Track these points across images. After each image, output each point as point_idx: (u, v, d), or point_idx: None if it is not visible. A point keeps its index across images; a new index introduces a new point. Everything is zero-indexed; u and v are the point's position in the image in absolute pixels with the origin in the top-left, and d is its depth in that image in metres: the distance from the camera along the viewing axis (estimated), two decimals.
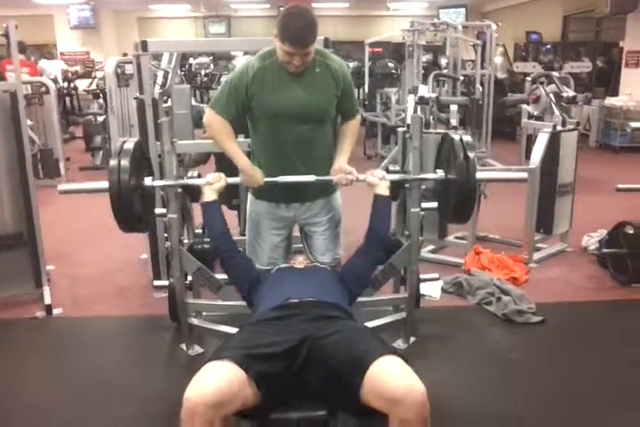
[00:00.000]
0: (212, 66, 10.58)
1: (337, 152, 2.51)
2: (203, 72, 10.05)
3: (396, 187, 2.56)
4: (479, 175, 2.33)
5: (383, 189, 2.39)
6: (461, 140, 2.32)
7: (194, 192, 2.76)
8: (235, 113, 2.40)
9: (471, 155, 2.26)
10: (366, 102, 8.35)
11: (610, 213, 4.20)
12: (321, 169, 2.46)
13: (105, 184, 2.19)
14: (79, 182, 2.36)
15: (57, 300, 3.24)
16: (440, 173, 2.43)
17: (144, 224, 2.45)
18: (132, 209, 2.24)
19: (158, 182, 2.46)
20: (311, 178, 2.38)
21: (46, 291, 3.23)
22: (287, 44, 2.17)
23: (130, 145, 2.28)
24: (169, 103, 3.96)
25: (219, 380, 1.56)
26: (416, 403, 1.50)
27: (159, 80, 4.61)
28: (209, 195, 2.36)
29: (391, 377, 1.55)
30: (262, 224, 2.56)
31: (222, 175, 2.39)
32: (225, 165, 2.75)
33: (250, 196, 2.60)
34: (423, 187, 2.59)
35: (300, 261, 2.38)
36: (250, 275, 2.31)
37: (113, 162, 2.20)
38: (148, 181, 2.40)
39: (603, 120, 8.33)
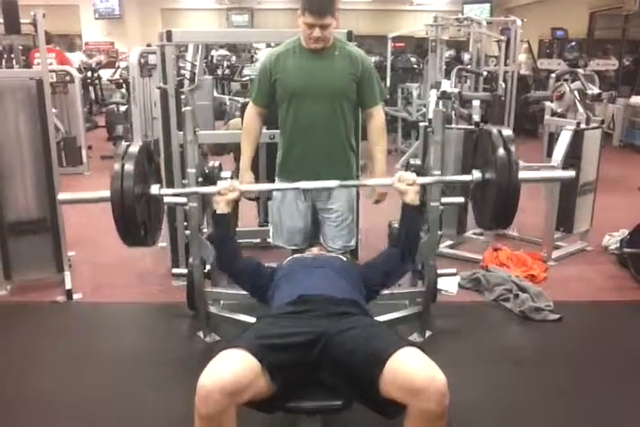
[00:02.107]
0: (233, 58, 10.61)
1: (373, 164, 2.62)
2: (225, 64, 10.07)
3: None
4: (522, 175, 2.00)
5: (412, 198, 2.15)
6: (500, 133, 2.03)
7: (214, 180, 2.79)
8: (265, 99, 2.60)
9: (513, 150, 1.97)
10: (388, 97, 8.32)
11: (632, 213, 4.15)
12: (338, 153, 2.57)
13: (107, 193, 1.96)
14: (80, 192, 2.17)
15: (77, 285, 3.29)
16: (477, 175, 2.13)
17: (150, 238, 2.15)
18: (136, 220, 1.99)
19: (166, 191, 2.24)
20: (334, 184, 2.25)
21: (67, 276, 3.29)
22: (307, 15, 2.37)
23: (135, 149, 2.03)
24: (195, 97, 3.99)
25: (234, 367, 1.57)
26: (437, 393, 1.50)
27: (187, 74, 4.64)
28: (221, 207, 2.15)
29: (413, 368, 1.55)
30: (284, 206, 2.68)
31: (236, 184, 2.18)
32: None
33: (276, 179, 2.72)
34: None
35: (314, 253, 2.39)
36: (264, 284, 2.19)
37: (116, 168, 1.96)
38: (154, 189, 2.12)
39: (627, 119, 8.21)
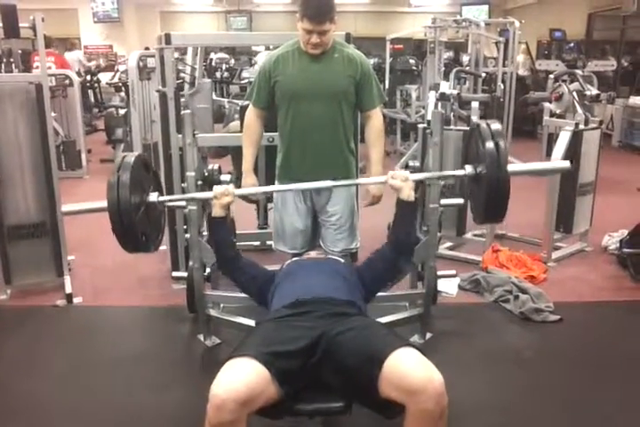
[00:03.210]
0: (232, 61, 10.62)
1: (369, 166, 2.63)
2: (223, 67, 10.07)
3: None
4: (513, 167, 2.03)
5: (407, 193, 2.17)
6: (489, 126, 2.07)
7: (213, 183, 2.80)
8: (264, 102, 2.59)
9: (501, 142, 1.99)
10: (386, 99, 8.33)
11: (631, 213, 4.16)
12: (338, 155, 2.58)
13: (104, 203, 1.99)
14: (82, 203, 2.17)
15: (77, 289, 3.29)
16: (469, 169, 2.16)
17: (151, 244, 2.18)
18: (134, 228, 2.01)
19: (164, 198, 2.25)
20: (328, 184, 2.29)
21: (67, 280, 3.29)
22: (305, 20, 2.36)
23: (131, 159, 2.05)
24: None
25: (246, 377, 1.57)
26: (435, 393, 1.51)
27: (187, 77, 4.63)
28: (216, 210, 2.21)
29: (410, 368, 1.56)
30: (285, 209, 2.69)
31: (230, 189, 2.21)
32: (241, 162, 2.79)
33: (276, 182, 2.72)
34: (442, 183, 2.59)
35: (312, 256, 2.40)
36: (263, 285, 2.21)
37: (111, 179, 1.98)
38: (153, 196, 2.15)
39: (626, 120, 8.22)
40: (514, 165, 2.05)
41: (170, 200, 2.36)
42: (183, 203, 2.57)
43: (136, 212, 2.03)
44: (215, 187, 2.22)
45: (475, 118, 3.78)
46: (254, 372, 1.59)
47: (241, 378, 1.56)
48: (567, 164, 2.27)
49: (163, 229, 2.34)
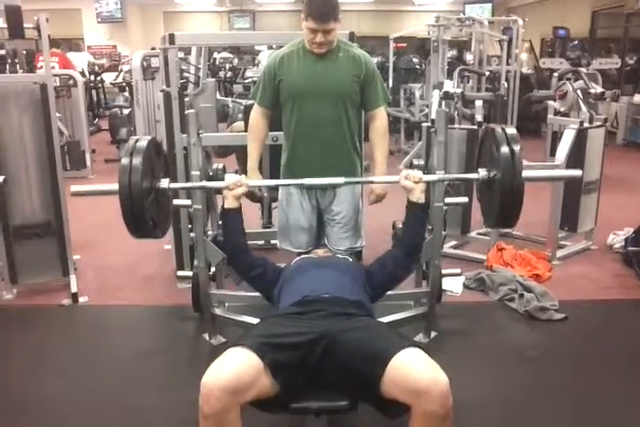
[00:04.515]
0: (235, 60, 10.63)
1: (373, 165, 2.63)
2: (227, 66, 10.08)
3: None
4: (527, 174, 2.01)
5: (418, 195, 2.16)
6: (504, 131, 2.05)
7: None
8: (269, 100, 2.60)
9: (516, 148, 1.98)
10: (390, 98, 8.32)
11: (636, 211, 4.16)
12: (343, 154, 2.59)
13: (115, 186, 1.98)
14: (94, 184, 2.17)
15: (83, 288, 3.30)
16: (483, 173, 2.14)
17: (159, 230, 2.18)
18: (144, 214, 2.01)
19: (175, 185, 2.26)
20: (340, 180, 2.30)
21: (73, 279, 3.30)
22: (310, 20, 2.37)
23: (143, 143, 2.05)
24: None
25: (235, 365, 1.58)
26: (440, 394, 1.50)
27: (191, 77, 4.64)
28: (229, 201, 2.20)
29: (415, 369, 1.55)
30: (290, 207, 2.69)
31: (243, 179, 2.22)
32: (245, 160, 2.79)
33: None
34: (446, 182, 2.59)
35: (319, 254, 2.40)
36: (272, 279, 2.23)
37: (123, 161, 1.98)
38: (164, 182, 2.16)
39: (631, 117, 8.19)
40: (528, 171, 2.04)
41: (181, 188, 2.36)
42: (188, 202, 2.57)
43: (147, 197, 2.02)
44: (227, 176, 2.21)
45: (479, 117, 3.78)
46: (246, 361, 1.59)
47: (230, 367, 1.57)
48: (579, 173, 2.29)
49: (170, 215, 2.33)
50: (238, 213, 2.19)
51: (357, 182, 2.53)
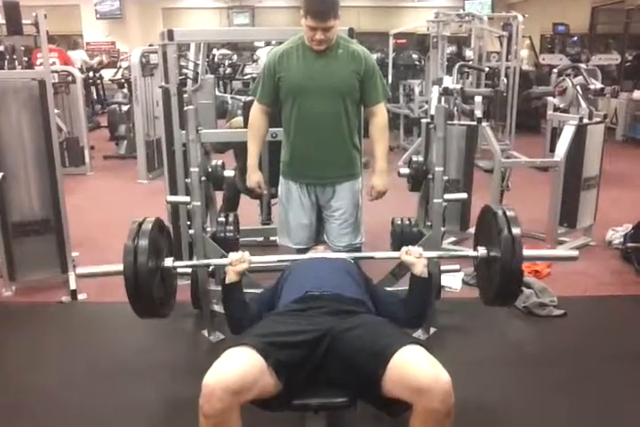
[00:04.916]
0: (235, 56, 10.61)
1: (373, 161, 2.63)
2: (226, 62, 10.07)
3: (419, 176, 2.52)
4: (526, 254, 2.02)
5: (421, 270, 2.08)
6: (505, 214, 2.05)
7: (217, 180, 2.80)
8: (269, 97, 2.59)
9: (516, 231, 1.98)
10: (390, 94, 8.30)
11: (635, 208, 4.15)
12: (342, 151, 2.59)
13: (120, 267, 1.96)
14: (95, 266, 2.18)
15: (82, 285, 3.30)
16: (482, 251, 2.14)
17: (166, 309, 2.16)
18: (150, 293, 1.99)
19: (179, 263, 2.23)
20: (343, 255, 2.32)
21: (72, 276, 3.30)
22: (309, 18, 2.36)
23: (148, 226, 2.04)
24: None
25: (238, 366, 1.56)
26: (442, 392, 1.49)
27: (190, 73, 4.64)
28: (231, 277, 2.11)
29: (417, 366, 1.54)
30: (290, 204, 2.70)
31: (246, 256, 2.11)
32: (244, 157, 2.79)
33: (280, 177, 2.73)
34: (445, 177, 2.58)
35: (320, 251, 2.40)
36: (271, 305, 2.12)
37: (128, 243, 1.97)
38: (168, 262, 2.12)
39: (630, 113, 8.19)
40: (527, 252, 2.03)
41: (186, 266, 2.37)
42: (187, 198, 2.58)
43: (152, 278, 2.00)
44: (231, 254, 2.13)
45: (478, 113, 3.78)
46: (249, 361, 1.57)
47: (233, 367, 1.55)
48: (576, 253, 2.22)
49: (175, 292, 2.28)
50: (239, 286, 2.13)
51: (360, 258, 2.38)
